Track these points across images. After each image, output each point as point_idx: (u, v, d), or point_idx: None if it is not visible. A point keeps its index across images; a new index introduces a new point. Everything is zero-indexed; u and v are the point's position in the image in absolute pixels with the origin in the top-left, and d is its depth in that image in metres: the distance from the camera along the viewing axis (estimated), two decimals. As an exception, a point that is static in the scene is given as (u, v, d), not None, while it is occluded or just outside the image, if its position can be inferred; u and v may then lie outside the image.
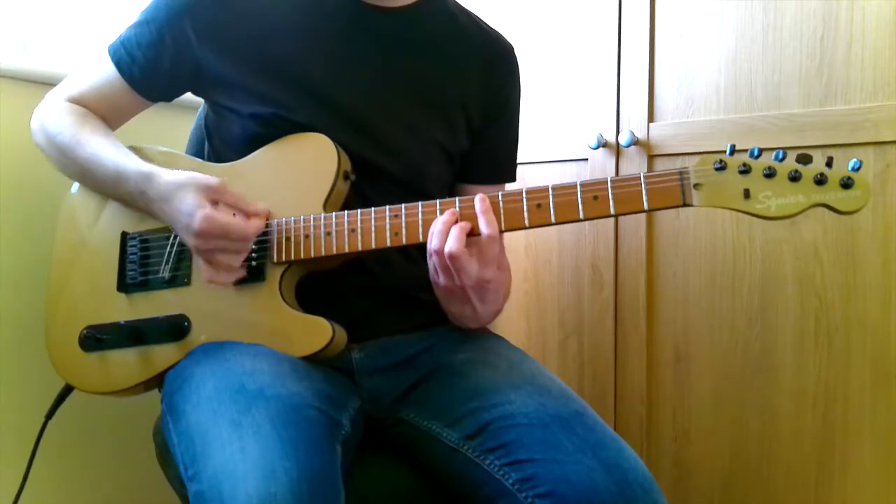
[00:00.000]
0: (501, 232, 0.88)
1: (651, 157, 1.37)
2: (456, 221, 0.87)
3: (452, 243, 0.85)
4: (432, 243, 0.87)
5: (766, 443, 1.28)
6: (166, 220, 0.93)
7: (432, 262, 0.89)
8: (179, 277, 0.97)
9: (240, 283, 0.92)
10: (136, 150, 1.03)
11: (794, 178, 0.79)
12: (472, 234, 0.87)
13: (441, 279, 0.90)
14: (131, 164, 0.94)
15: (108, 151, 0.96)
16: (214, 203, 0.89)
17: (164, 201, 0.91)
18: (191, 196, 0.89)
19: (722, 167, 0.81)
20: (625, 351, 1.42)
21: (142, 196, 0.93)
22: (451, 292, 0.92)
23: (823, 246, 1.21)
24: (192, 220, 0.87)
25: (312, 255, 0.92)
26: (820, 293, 1.22)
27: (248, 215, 0.91)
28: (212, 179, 0.90)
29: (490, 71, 1.08)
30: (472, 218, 0.87)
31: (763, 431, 1.28)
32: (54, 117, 1.00)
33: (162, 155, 1.03)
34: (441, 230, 0.87)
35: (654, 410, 1.39)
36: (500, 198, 0.87)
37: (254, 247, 0.93)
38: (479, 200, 0.87)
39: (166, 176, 0.92)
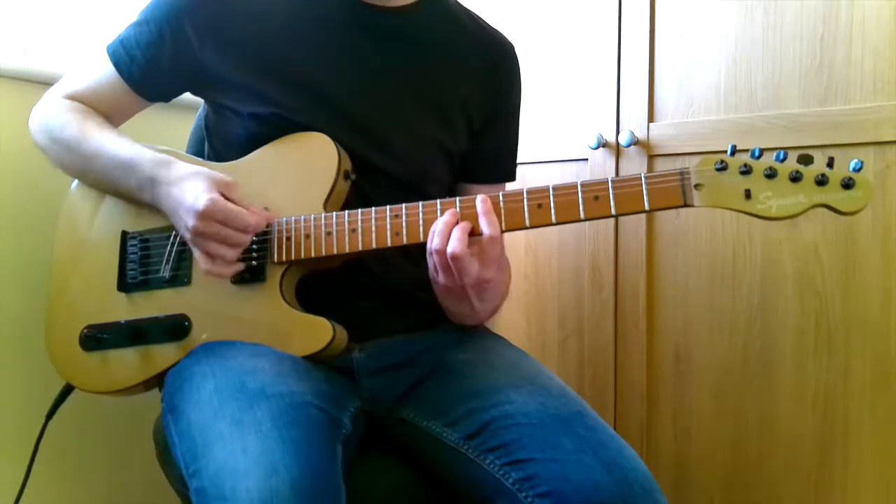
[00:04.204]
0: (502, 232, 0.88)
1: (651, 158, 1.37)
2: (457, 222, 0.87)
3: (455, 244, 0.85)
4: (433, 243, 0.87)
5: (767, 442, 1.28)
6: (169, 206, 0.92)
7: (432, 260, 0.89)
8: (180, 277, 0.97)
9: (240, 282, 0.92)
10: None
11: (795, 178, 0.79)
12: (473, 234, 0.87)
13: (441, 278, 0.90)
14: (147, 152, 0.95)
15: (119, 142, 0.97)
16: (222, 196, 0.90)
17: (173, 184, 0.91)
18: (202, 182, 0.89)
19: (723, 168, 0.81)
20: (625, 351, 1.42)
21: (150, 182, 0.93)
22: (450, 291, 0.92)
23: (823, 246, 1.21)
24: (197, 201, 0.87)
25: (313, 254, 0.92)
26: (820, 293, 1.22)
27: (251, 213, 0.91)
28: (225, 175, 0.92)
29: (491, 70, 1.08)
30: (473, 218, 0.87)
31: (763, 431, 1.28)
32: (56, 113, 1.00)
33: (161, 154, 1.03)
34: (442, 230, 0.86)
35: (654, 410, 1.39)
36: (500, 198, 0.87)
37: (254, 246, 0.94)
38: (481, 201, 0.87)
39: (182, 163, 0.93)
